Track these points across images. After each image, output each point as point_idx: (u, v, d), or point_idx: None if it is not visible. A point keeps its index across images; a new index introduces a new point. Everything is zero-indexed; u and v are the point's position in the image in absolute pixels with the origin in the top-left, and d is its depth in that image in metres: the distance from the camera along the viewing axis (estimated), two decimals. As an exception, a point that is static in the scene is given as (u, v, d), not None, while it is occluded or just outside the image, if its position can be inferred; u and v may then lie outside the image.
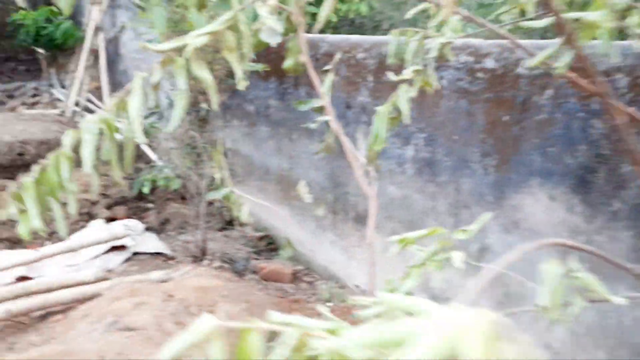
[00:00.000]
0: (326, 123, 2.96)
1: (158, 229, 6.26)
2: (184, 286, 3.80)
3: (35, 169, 1.25)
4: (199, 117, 4.70)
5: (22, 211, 1.22)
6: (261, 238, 6.06)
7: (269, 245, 6.02)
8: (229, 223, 6.42)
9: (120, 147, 1.34)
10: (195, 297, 3.71)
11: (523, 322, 3.32)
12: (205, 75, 1.39)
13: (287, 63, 1.83)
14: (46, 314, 3.86)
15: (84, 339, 3.19)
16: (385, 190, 4.29)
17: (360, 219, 4.73)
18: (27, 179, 1.22)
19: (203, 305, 3.69)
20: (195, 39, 1.31)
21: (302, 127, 5.26)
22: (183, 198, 7.13)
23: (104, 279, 4.04)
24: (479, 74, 3.41)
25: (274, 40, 1.48)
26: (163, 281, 4.03)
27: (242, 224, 6.65)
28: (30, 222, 1.22)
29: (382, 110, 2.01)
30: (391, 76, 2.00)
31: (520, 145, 3.22)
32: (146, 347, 3.00)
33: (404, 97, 1.97)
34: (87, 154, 1.25)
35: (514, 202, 3.31)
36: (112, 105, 1.31)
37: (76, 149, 1.30)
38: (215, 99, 1.41)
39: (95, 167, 1.27)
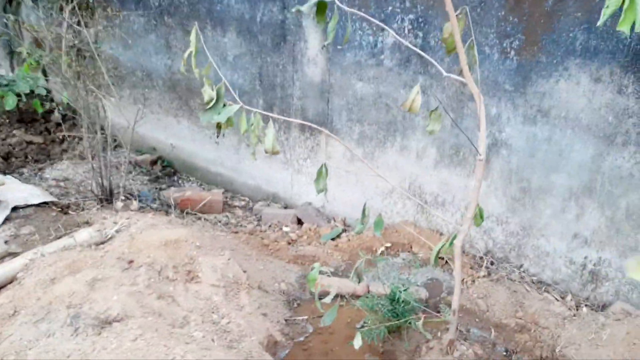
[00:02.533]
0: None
1: (2, 168, 4.67)
2: (144, 244, 2.78)
3: None
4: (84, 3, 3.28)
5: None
6: (154, 162, 4.93)
7: (165, 169, 4.94)
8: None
9: None
10: (165, 256, 2.75)
11: (547, 213, 3.13)
12: None
13: None
14: None
15: (45, 350, 2.11)
16: (352, 87, 3.61)
17: (307, 127, 3.99)
18: None
19: (179, 265, 2.76)
20: None
21: (207, 16, 4.13)
22: (20, 121, 5.42)
23: (7, 254, 2.78)
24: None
25: None
26: (99, 243, 2.92)
27: (115, 148, 5.37)
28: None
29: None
30: None
31: (555, 21, 2.80)
32: (167, 343, 2.08)
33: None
34: None
35: (543, 88, 2.95)
36: None
37: None
38: None
39: None
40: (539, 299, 3.04)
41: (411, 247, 3.58)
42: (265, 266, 3.19)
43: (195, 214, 3.97)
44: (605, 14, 1.42)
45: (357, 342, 2.33)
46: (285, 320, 2.83)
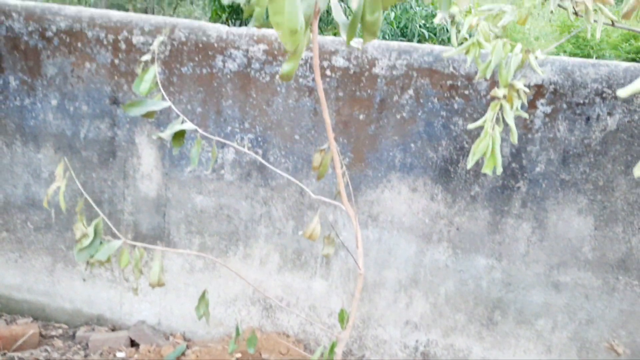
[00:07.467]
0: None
1: None
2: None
3: None
4: None
5: None
6: None
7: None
8: None
9: None
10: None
11: (382, 305, 3.54)
12: None
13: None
14: None
15: None
16: (191, 200, 3.64)
17: (141, 239, 3.81)
18: None
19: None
20: None
21: (16, 131, 3.77)
22: None
23: None
24: (328, 72, 3.29)
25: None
26: None
27: None
28: None
29: (493, 127, 1.83)
30: (498, 92, 1.83)
31: (378, 143, 3.32)
32: None
33: (511, 115, 1.85)
34: None
35: (371, 197, 3.41)
36: None
37: None
38: None
39: None
40: (388, 385, 3.36)
41: (260, 354, 3.63)
42: (119, 403, 2.91)
43: (4, 354, 3.41)
44: (472, 159, 1.83)
45: None
46: None
